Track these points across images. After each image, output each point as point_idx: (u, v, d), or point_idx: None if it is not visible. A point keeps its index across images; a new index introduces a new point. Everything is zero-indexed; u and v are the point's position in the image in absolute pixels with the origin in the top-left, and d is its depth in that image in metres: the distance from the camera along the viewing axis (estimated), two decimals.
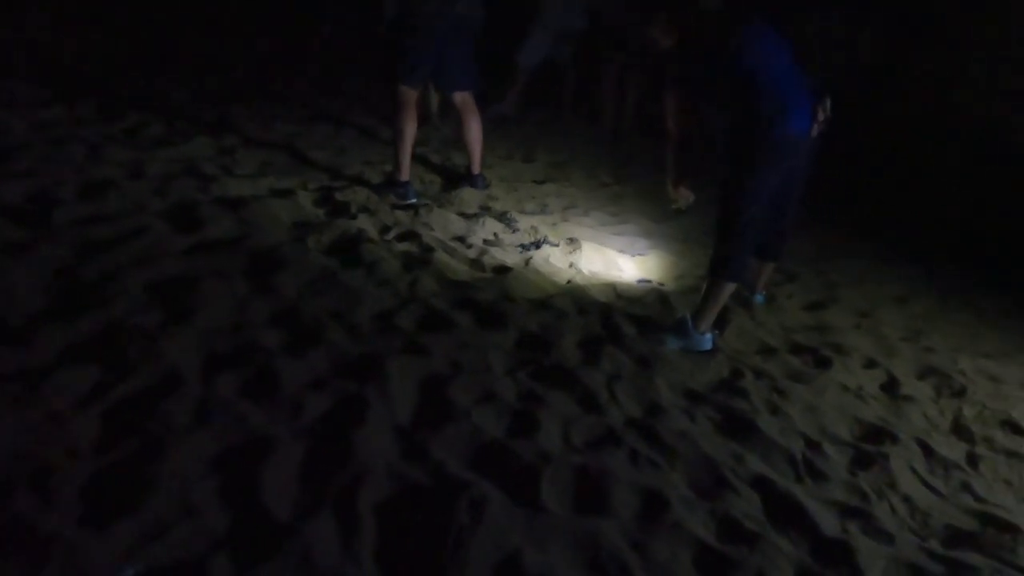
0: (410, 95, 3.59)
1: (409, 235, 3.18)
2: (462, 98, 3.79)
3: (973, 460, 2.31)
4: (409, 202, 3.58)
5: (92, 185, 3.03)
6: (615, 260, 3.41)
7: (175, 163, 3.49)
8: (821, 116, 2.54)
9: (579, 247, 3.42)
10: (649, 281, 3.26)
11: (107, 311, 2.12)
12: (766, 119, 2.40)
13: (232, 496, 1.54)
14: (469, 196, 3.84)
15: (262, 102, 4.89)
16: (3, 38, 4.98)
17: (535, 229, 3.53)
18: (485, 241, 3.31)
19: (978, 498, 2.10)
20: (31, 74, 4.43)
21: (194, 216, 2.90)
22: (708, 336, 2.65)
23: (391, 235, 3.16)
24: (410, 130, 3.62)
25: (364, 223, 3.19)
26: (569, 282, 3.08)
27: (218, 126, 4.24)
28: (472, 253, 3.15)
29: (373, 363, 2.09)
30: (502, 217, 3.61)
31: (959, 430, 2.49)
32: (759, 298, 3.14)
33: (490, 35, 3.76)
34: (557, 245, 3.40)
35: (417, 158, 3.97)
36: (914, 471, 2.16)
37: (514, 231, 3.48)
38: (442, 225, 3.37)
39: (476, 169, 3.98)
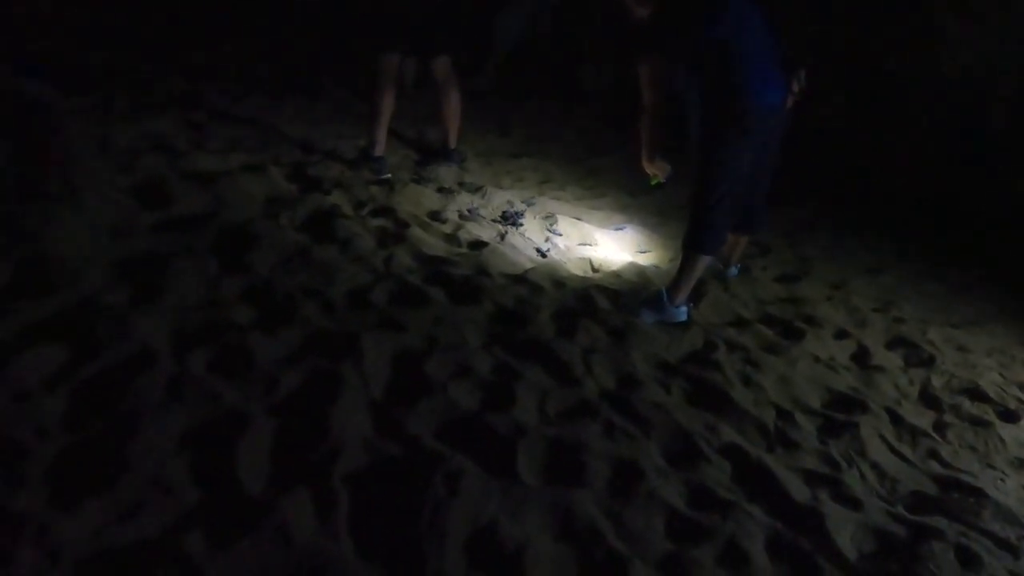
0: (389, 65, 3.52)
1: (384, 210, 3.15)
2: (443, 70, 3.71)
3: (940, 428, 2.37)
4: (384, 177, 3.53)
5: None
6: (591, 234, 3.41)
7: (143, 138, 3.41)
8: (796, 88, 2.55)
9: (555, 221, 3.42)
10: (624, 255, 3.27)
11: (74, 289, 2.08)
12: (739, 90, 2.40)
13: (206, 473, 1.53)
14: (445, 171, 3.81)
15: (234, 76, 4.77)
16: None
17: (511, 203, 3.52)
18: (460, 216, 3.29)
19: (944, 464, 2.16)
20: None
21: (163, 192, 2.84)
22: (683, 309, 2.67)
23: (365, 211, 3.13)
24: (387, 104, 3.56)
25: (338, 199, 3.15)
26: (545, 256, 3.08)
27: (188, 100, 4.13)
28: (447, 228, 3.14)
29: (347, 339, 2.07)
30: (478, 191, 3.58)
31: (927, 399, 2.55)
32: (733, 271, 3.16)
33: (467, 9, 3.69)
34: (533, 219, 3.39)
35: (392, 133, 3.91)
36: (883, 439, 2.21)
37: (490, 205, 3.46)
38: (417, 200, 3.34)
39: (452, 144, 3.93)
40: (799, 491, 1.85)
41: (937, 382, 2.64)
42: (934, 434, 2.31)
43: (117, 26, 5.25)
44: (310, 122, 4.21)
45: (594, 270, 3.05)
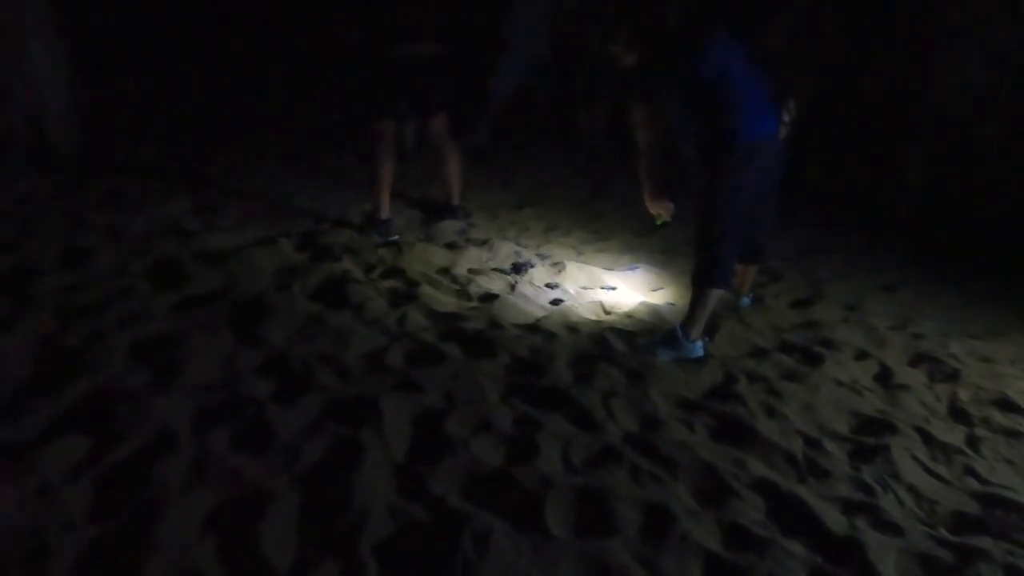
0: (385, 132, 3.62)
1: (394, 272, 3.19)
2: (439, 131, 3.80)
3: (973, 443, 2.31)
4: (391, 239, 3.59)
5: (73, 251, 3.03)
6: (600, 277, 3.43)
7: (155, 222, 3.50)
8: (787, 118, 2.59)
9: (563, 267, 3.44)
10: (635, 296, 3.28)
11: (94, 376, 2.11)
12: (731, 127, 2.44)
13: (232, 553, 1.52)
14: (450, 227, 3.86)
15: (237, 154, 4.92)
16: None
17: (518, 254, 3.56)
18: (469, 270, 3.33)
19: (982, 480, 2.10)
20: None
21: (177, 273, 2.90)
22: (699, 344, 2.65)
23: (376, 273, 3.17)
24: (387, 168, 3.65)
25: (348, 264, 3.20)
26: (556, 303, 3.09)
27: (196, 182, 4.26)
28: (457, 284, 3.17)
29: (366, 403, 2.08)
30: (484, 245, 3.63)
31: (956, 414, 2.49)
32: (746, 301, 3.16)
33: (460, 67, 3.81)
34: (541, 267, 3.42)
35: (397, 195, 4.00)
36: (916, 459, 2.16)
37: (497, 258, 3.50)
38: (426, 259, 3.38)
39: (456, 200, 4.01)
40: (836, 521, 1.80)
41: (964, 396, 2.59)
42: (968, 450, 2.25)
43: (117, 117, 5.46)
44: (316, 192, 4.32)
45: (606, 312, 3.06)
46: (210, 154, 4.81)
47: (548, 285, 3.25)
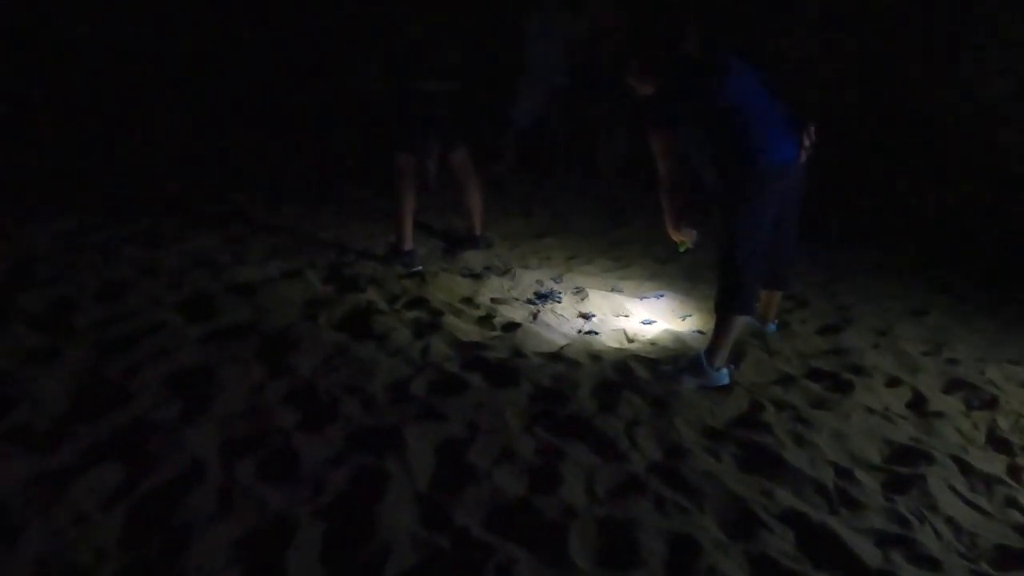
0: (407, 165, 3.70)
1: (417, 302, 3.23)
2: (460, 162, 3.88)
3: (1015, 472, 2.24)
4: (415, 270, 3.64)
5: (109, 286, 3.13)
6: (623, 305, 3.42)
7: (187, 257, 3.60)
8: (807, 142, 2.59)
9: (586, 295, 3.45)
10: (654, 321, 3.26)
11: (129, 408, 2.16)
12: (750, 154, 2.45)
13: None
14: (473, 257, 3.90)
15: (265, 189, 5.04)
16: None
17: (540, 283, 3.57)
18: (492, 300, 3.35)
19: None
20: (42, 185, 4.63)
21: (208, 306, 2.97)
22: (724, 371, 2.63)
23: (400, 304, 3.21)
24: (409, 199, 3.72)
25: (373, 295, 3.25)
26: (579, 332, 3.09)
27: (226, 217, 4.37)
28: (480, 313, 3.19)
29: (390, 433, 2.09)
30: (506, 274, 3.66)
31: (996, 442, 2.42)
32: (772, 327, 3.12)
33: (479, 99, 3.89)
34: (564, 296, 3.43)
35: (419, 225, 4.06)
36: (954, 490, 2.09)
37: (519, 287, 3.52)
38: (449, 288, 3.42)
39: (478, 230, 4.05)
40: (870, 555, 1.75)
41: (1004, 423, 2.51)
42: (1009, 480, 2.18)
43: (147, 154, 5.65)
44: (341, 225, 4.40)
45: (629, 340, 3.05)
46: (235, 189, 4.94)
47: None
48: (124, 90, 6.51)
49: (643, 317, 3.32)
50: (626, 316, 3.33)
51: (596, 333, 3.06)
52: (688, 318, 3.35)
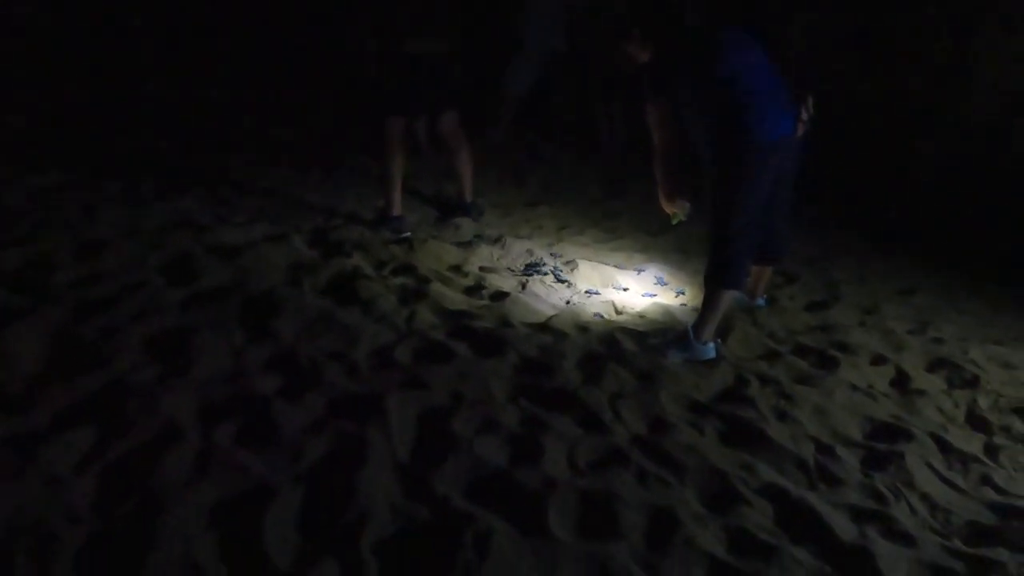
0: (396, 128, 3.62)
1: (404, 268, 3.19)
2: (450, 127, 3.80)
3: (992, 451, 2.26)
4: (403, 236, 3.59)
5: (88, 246, 3.06)
6: (613, 276, 3.40)
7: (169, 217, 3.53)
8: (804, 116, 2.54)
9: (576, 266, 3.42)
10: (654, 295, 3.25)
11: (106, 370, 2.13)
12: (747, 127, 2.40)
13: (234, 548, 1.52)
14: (463, 225, 3.85)
15: (255, 150, 4.94)
16: None
17: (530, 252, 3.54)
18: (481, 268, 3.31)
19: (1000, 490, 2.05)
20: (20, 138, 4.51)
21: (189, 268, 2.92)
22: (711, 345, 2.62)
23: (387, 270, 3.17)
24: (398, 164, 3.65)
25: (359, 260, 3.20)
26: (567, 302, 3.07)
27: (212, 177, 4.29)
28: (468, 281, 3.15)
29: (372, 401, 2.07)
30: (497, 242, 3.61)
31: (975, 421, 2.44)
32: (760, 302, 3.11)
33: (471, 63, 3.80)
34: (553, 266, 3.40)
35: (409, 191, 3.99)
36: (931, 467, 2.11)
37: (509, 256, 3.48)
38: (437, 256, 3.37)
39: (468, 197, 3.99)
40: (846, 530, 1.77)
41: (984, 403, 2.53)
42: (985, 458, 2.20)
43: (136, 109, 5.51)
44: (330, 189, 4.32)
45: (618, 312, 3.03)
46: (225, 150, 4.84)
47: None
48: (115, 50, 6.32)
49: (632, 288, 3.30)
50: (616, 287, 3.31)
51: (586, 300, 3.03)
52: (675, 290, 3.33)
